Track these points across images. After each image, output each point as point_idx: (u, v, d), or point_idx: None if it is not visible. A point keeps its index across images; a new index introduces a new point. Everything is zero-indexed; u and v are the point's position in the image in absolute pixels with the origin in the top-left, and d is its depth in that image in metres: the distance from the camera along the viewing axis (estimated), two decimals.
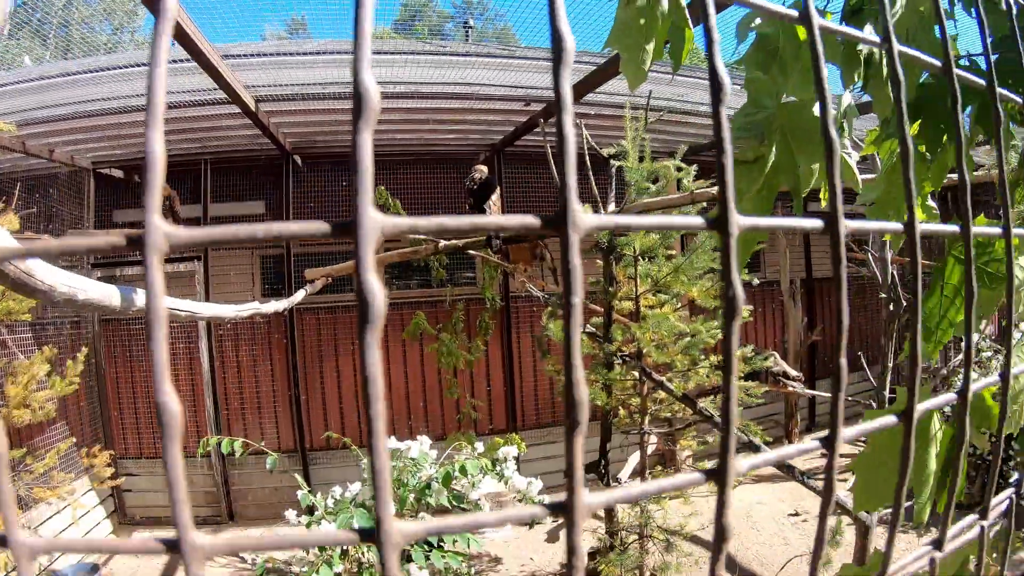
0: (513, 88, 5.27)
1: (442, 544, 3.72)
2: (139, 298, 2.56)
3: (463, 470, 3.74)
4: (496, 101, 5.46)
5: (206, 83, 4.75)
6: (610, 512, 5.33)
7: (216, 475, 6.30)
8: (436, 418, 6.71)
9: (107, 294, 2.27)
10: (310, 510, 3.94)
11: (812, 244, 8.20)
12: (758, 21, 1.23)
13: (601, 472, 5.08)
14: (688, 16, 1.25)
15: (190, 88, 4.97)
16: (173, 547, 0.25)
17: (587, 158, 4.78)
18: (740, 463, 0.32)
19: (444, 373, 6.13)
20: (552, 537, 5.86)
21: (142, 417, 6.51)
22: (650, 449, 5.52)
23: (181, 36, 3.63)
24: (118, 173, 6.48)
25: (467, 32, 7.28)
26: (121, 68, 5.06)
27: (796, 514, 6.28)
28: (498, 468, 3.97)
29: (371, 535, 0.26)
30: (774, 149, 1.13)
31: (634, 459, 5.81)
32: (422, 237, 4.76)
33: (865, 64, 1.17)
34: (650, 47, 1.29)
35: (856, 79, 1.18)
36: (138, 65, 5.05)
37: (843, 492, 4.40)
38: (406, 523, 0.26)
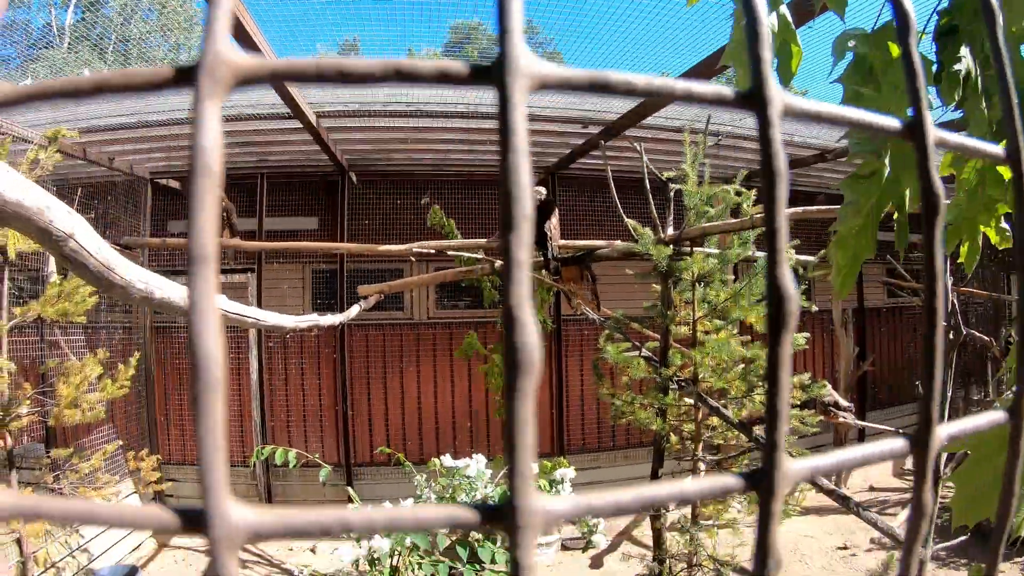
0: (567, 110, 5.26)
1: (489, 564, 3.65)
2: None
3: None
4: (549, 123, 5.45)
5: (266, 98, 4.82)
6: (659, 540, 5.23)
7: (259, 486, 6.30)
8: (482, 438, 6.65)
9: (182, 294, 2.28)
10: None
11: (864, 275, 8.03)
12: (852, 43, 1.27)
13: None
14: (796, 33, 1.30)
15: (249, 102, 5.04)
16: (194, 522, 0.18)
17: (646, 181, 4.75)
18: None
19: (492, 394, 6.09)
20: (596, 563, 5.75)
21: (187, 424, 6.56)
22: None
23: (253, 49, 3.68)
24: (175, 184, 6.60)
25: None
26: None
27: (845, 547, 6.12)
28: (555, 489, 3.89)
29: (499, 513, 0.21)
30: (887, 165, 1.20)
31: None
32: (478, 256, 4.76)
33: (963, 83, 1.18)
34: None
35: (955, 98, 1.19)
36: None
37: (896, 525, 4.26)
38: (548, 498, 0.21)
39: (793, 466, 0.24)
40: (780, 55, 1.29)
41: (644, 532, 6.20)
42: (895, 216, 1.23)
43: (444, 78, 0.21)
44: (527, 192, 0.20)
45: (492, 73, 0.20)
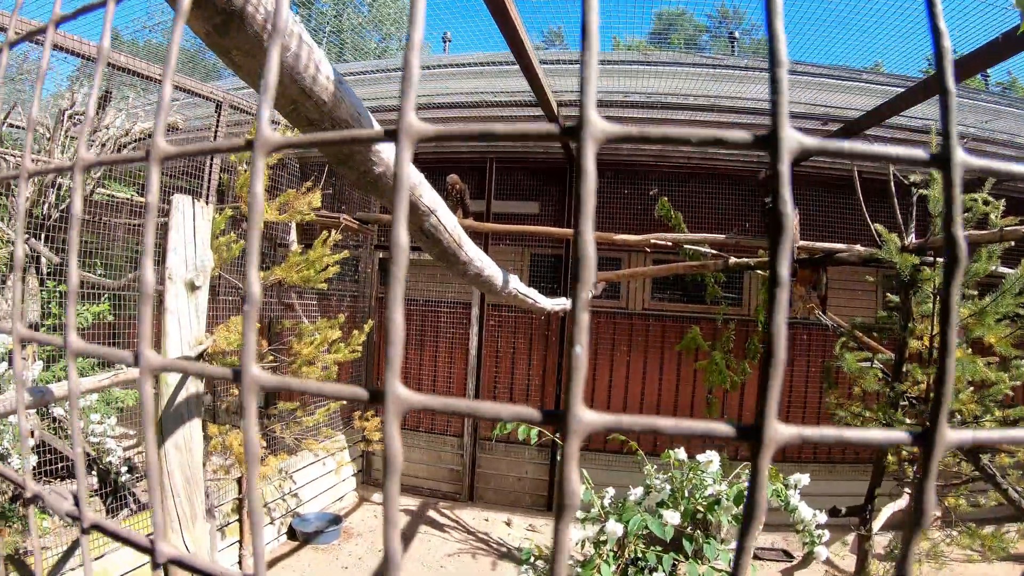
0: (806, 105, 5.12)
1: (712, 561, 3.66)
2: (512, 282, 2.82)
3: None
4: (766, 116, 5.31)
5: (502, 85, 5.04)
6: (863, 561, 5.05)
7: (465, 455, 6.67)
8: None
9: (497, 274, 2.49)
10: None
11: None
12: None
13: (865, 517, 4.79)
14: None
15: (493, 89, 5.30)
16: (554, 419, 0.29)
17: (891, 185, 4.55)
18: None
19: (701, 391, 6.03)
20: None
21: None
22: (903, 502, 5.13)
23: (512, 38, 3.85)
24: None
25: (733, 45, 7.08)
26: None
27: None
28: (785, 494, 3.85)
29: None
30: None
31: (888, 510, 5.44)
32: (704, 250, 4.77)
33: None
34: None
35: None
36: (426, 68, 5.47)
37: None
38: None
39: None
40: None
41: (835, 553, 5.97)
42: None
43: (721, 143, 0.27)
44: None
45: (767, 143, 0.26)
